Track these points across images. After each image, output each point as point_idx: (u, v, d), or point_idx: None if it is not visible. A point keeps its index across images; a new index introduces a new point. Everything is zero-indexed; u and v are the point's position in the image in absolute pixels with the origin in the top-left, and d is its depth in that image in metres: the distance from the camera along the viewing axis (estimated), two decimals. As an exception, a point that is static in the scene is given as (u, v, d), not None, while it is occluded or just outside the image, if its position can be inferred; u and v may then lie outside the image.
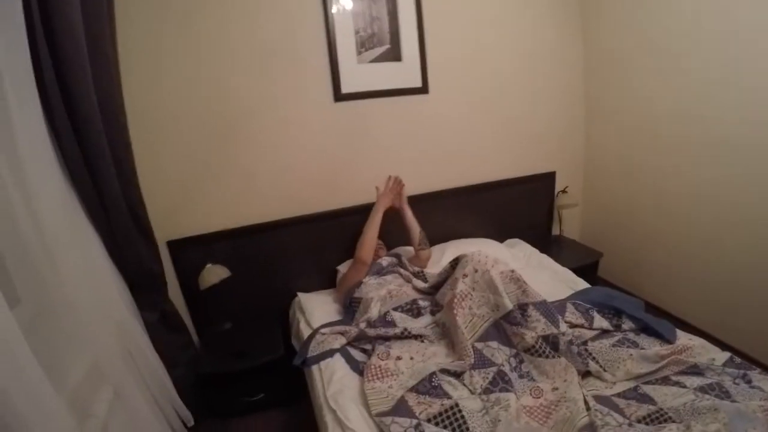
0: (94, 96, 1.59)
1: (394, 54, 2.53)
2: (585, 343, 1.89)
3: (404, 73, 2.58)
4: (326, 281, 2.67)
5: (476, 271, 2.02)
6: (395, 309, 2.14)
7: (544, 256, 2.80)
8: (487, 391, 1.68)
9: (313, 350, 2.03)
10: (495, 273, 1.98)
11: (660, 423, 1.45)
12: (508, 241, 3.06)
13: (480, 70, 2.77)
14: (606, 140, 3.10)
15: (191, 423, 2.01)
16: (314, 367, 1.97)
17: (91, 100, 1.58)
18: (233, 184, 2.42)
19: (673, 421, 1.43)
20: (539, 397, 1.67)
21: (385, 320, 2.09)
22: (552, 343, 1.81)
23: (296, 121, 2.45)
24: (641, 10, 2.63)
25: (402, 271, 2.44)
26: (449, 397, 1.62)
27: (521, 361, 1.83)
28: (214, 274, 2.27)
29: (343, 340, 2.06)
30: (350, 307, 2.30)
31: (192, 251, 2.35)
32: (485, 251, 2.13)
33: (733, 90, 2.24)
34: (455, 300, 1.96)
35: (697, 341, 1.84)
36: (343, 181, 2.63)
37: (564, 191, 3.13)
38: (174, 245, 2.33)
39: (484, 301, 1.97)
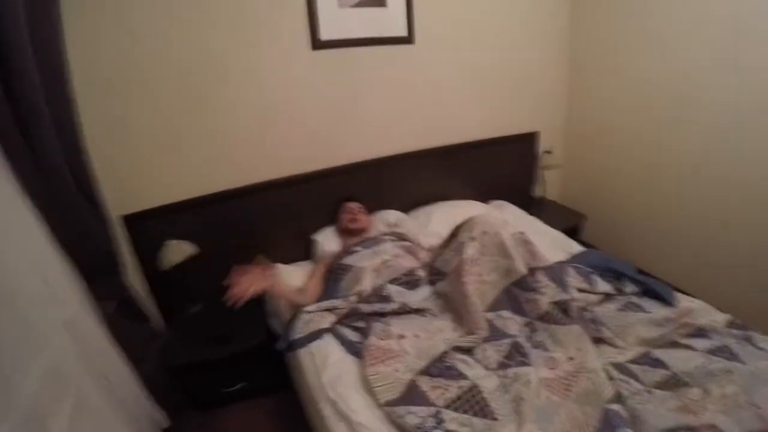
0: (27, 40, 1.27)
1: None
2: (584, 308, 1.81)
3: (389, 20, 2.31)
4: (306, 251, 2.44)
5: (485, 233, 1.85)
6: (391, 282, 1.93)
7: (533, 218, 2.69)
8: (503, 366, 1.56)
9: (299, 331, 1.80)
10: (506, 235, 1.81)
11: (676, 388, 1.41)
12: (494, 202, 2.92)
13: (467, 23, 2.56)
14: (589, 101, 3.02)
15: (165, 425, 1.74)
16: (302, 351, 1.76)
17: (24, 45, 1.27)
18: (198, 146, 2.10)
19: (689, 386, 1.40)
20: (554, 368, 1.55)
21: (380, 295, 1.88)
22: (562, 309, 1.71)
23: (270, 71, 2.14)
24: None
25: (405, 243, 2.22)
26: (465, 378, 1.48)
27: (534, 330, 1.72)
28: (177, 251, 1.98)
29: (332, 318, 1.85)
30: (334, 273, 2.06)
31: (153, 226, 2.03)
32: (493, 213, 1.96)
33: (719, 61, 2.23)
34: (465, 266, 1.78)
35: (697, 303, 1.81)
36: (321, 140, 2.37)
37: (548, 152, 2.99)
38: (131, 220, 1.99)
39: (493, 267, 1.82)
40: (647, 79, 2.58)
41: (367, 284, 1.93)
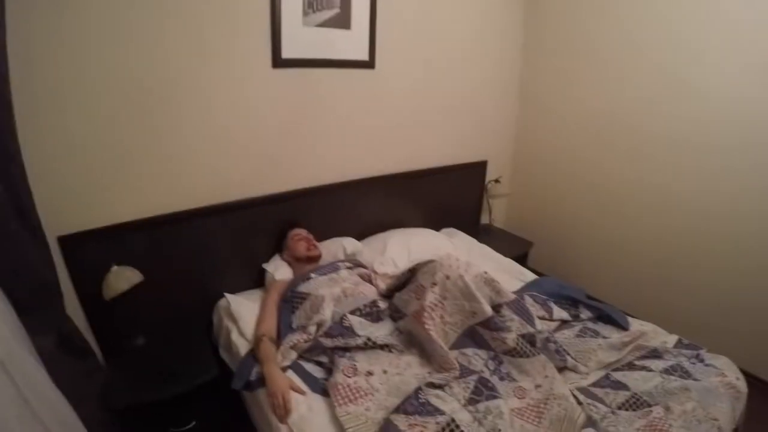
0: None
1: (343, 20, 2.22)
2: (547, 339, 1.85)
3: (352, 43, 2.29)
4: (257, 279, 2.31)
5: (448, 278, 1.84)
6: (352, 312, 1.87)
7: (485, 246, 2.76)
8: (472, 401, 1.55)
9: (257, 369, 1.69)
10: (469, 278, 1.82)
11: (637, 407, 1.50)
12: (445, 230, 2.98)
13: (423, 52, 2.63)
14: (537, 131, 3.19)
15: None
16: (262, 390, 1.63)
17: None
18: (146, 163, 1.92)
19: (649, 404, 1.49)
20: (524, 398, 1.59)
21: (341, 326, 1.81)
22: (529, 341, 1.75)
23: (226, 88, 2.03)
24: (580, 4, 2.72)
25: (362, 270, 2.18)
26: (442, 413, 1.45)
27: (500, 363, 1.73)
28: (122, 278, 1.79)
29: (293, 354, 1.74)
30: (290, 302, 1.97)
31: (92, 249, 1.82)
32: (453, 254, 1.97)
33: (664, 85, 2.43)
34: (425, 313, 1.77)
35: (648, 326, 1.93)
36: (275, 163, 2.28)
37: (497, 181, 3.09)
38: (68, 241, 1.77)
39: (457, 309, 1.82)
40: (591, 111, 2.78)
41: (326, 314, 1.86)
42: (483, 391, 1.57)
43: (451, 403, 1.51)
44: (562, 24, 2.84)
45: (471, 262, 1.95)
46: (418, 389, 1.52)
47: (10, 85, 1.33)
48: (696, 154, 2.37)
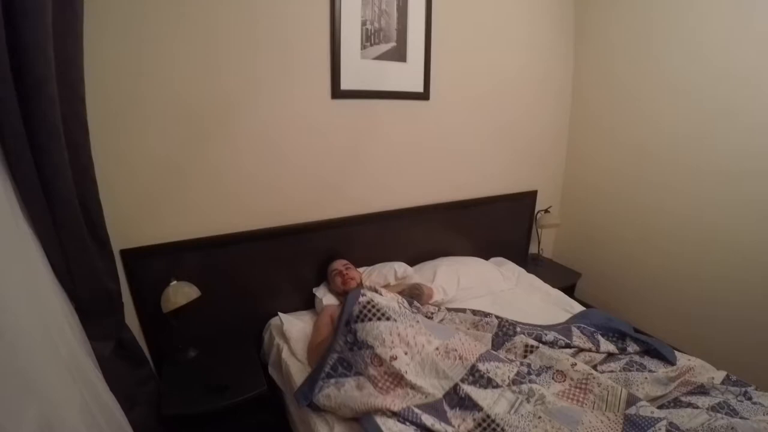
0: (51, 51, 1.16)
1: (399, 53, 2.37)
2: (595, 367, 1.84)
3: (408, 75, 2.43)
4: (308, 301, 2.39)
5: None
6: (463, 381, 1.63)
7: (533, 276, 2.77)
8: (515, 382, 1.65)
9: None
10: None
11: None
12: (494, 259, 3.03)
13: (475, 84, 2.71)
14: (587, 161, 3.19)
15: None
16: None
17: (48, 55, 1.16)
18: (207, 185, 2.06)
19: None
20: (564, 380, 1.66)
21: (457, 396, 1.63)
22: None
23: (287, 117, 2.17)
24: (630, 33, 2.72)
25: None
26: (480, 409, 1.51)
27: (528, 365, 1.75)
28: (181, 293, 1.89)
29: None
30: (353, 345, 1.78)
31: (152, 264, 1.96)
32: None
33: (719, 116, 2.35)
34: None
35: (696, 362, 1.88)
36: (328, 189, 2.37)
37: (547, 211, 3.04)
38: (129, 255, 1.92)
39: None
40: (643, 143, 2.74)
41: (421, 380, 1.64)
42: (525, 375, 1.67)
43: (488, 399, 1.55)
44: (612, 54, 2.85)
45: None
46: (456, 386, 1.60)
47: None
48: (753, 190, 2.27)
